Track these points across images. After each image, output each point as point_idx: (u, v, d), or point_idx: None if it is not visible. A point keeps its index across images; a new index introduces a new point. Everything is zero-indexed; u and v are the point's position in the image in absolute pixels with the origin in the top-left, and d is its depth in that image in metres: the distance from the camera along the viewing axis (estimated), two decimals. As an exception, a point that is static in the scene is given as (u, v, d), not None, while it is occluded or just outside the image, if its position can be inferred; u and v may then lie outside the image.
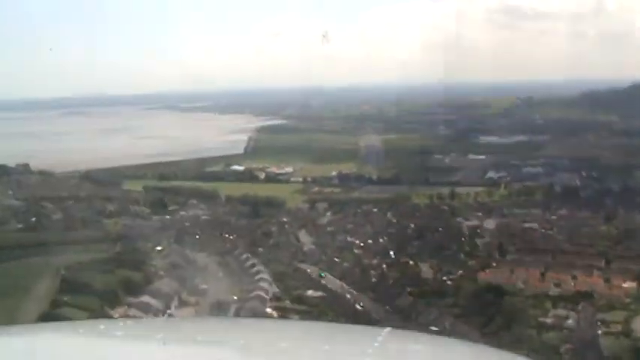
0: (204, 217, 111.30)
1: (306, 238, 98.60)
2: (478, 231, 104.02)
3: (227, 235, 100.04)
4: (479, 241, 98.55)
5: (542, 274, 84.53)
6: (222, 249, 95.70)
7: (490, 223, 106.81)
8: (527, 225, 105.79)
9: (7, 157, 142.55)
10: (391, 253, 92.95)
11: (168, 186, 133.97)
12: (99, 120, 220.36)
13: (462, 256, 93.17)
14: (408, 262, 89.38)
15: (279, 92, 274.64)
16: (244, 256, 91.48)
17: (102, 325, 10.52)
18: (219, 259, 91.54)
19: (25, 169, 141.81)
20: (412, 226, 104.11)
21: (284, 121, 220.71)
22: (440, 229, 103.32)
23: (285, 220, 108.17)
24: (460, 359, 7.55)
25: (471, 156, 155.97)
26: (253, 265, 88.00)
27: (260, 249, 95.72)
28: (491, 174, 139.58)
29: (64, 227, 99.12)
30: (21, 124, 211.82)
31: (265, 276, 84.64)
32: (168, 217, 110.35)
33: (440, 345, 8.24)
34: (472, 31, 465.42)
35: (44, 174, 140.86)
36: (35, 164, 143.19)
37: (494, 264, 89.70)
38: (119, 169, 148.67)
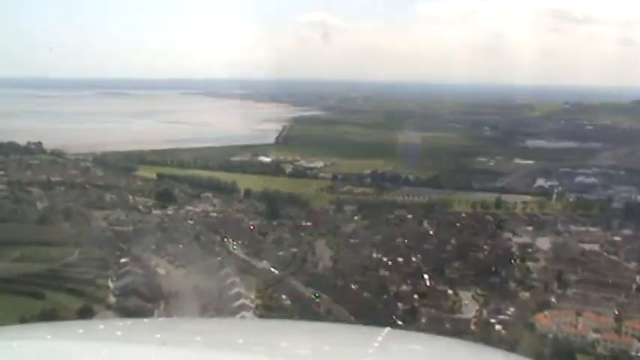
0: (212, 215, 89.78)
1: (323, 251, 75.31)
2: (529, 250, 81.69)
3: (229, 242, 76.76)
4: (532, 266, 75.02)
5: (617, 321, 60.88)
6: (209, 266, 69.29)
7: (544, 242, 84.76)
8: (586, 246, 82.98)
9: (27, 134, 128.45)
10: (425, 277, 69.44)
11: (185, 175, 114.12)
12: (132, 102, 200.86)
13: (513, 284, 69.67)
14: (446, 292, 66.32)
15: (321, 83, 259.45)
16: (229, 280, 65.28)
17: (101, 325, 9.00)
18: (198, 281, 64.50)
19: (37, 147, 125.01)
20: (452, 241, 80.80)
21: (322, 113, 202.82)
22: (485, 246, 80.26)
23: (304, 224, 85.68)
24: (460, 359, 6.99)
25: (518, 160, 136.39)
26: (238, 297, 62.36)
27: (259, 266, 71.81)
28: (540, 182, 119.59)
29: (38, 219, 77.63)
30: (52, 102, 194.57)
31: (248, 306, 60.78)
32: (170, 212, 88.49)
33: (439, 345, 7.66)
34: (518, 33, 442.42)
35: (55, 154, 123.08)
36: (52, 143, 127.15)
37: (553, 299, 66.12)
38: (138, 153, 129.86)
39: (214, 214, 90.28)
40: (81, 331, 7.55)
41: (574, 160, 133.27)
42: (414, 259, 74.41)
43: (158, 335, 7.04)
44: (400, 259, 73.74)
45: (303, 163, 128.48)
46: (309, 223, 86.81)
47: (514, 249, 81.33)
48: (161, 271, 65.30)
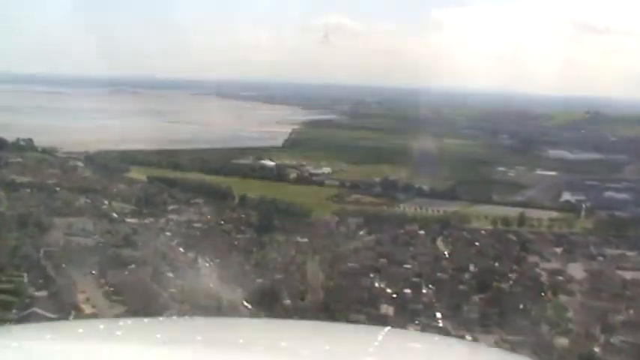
0: (196, 225, 73.27)
1: (315, 278, 58.39)
2: (561, 279, 65.60)
3: (204, 263, 59.84)
4: (566, 300, 58.74)
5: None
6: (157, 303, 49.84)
7: (576, 269, 68.52)
8: (627, 274, 67.09)
9: (25, 130, 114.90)
10: (438, 315, 53.01)
11: (178, 178, 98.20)
12: (141, 100, 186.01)
13: (546, 327, 53.22)
14: (463, 338, 49.21)
15: (336, 87, 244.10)
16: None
17: (101, 325, 8.51)
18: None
19: (27, 144, 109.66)
20: (471, 267, 64.32)
21: (335, 117, 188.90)
22: (509, 274, 63.96)
23: (299, 240, 69.65)
24: (460, 358, 6.68)
25: (540, 171, 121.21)
26: None
27: (229, 297, 52.27)
28: (567, 196, 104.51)
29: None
30: (59, 98, 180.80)
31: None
32: (148, 220, 72.62)
33: (439, 344, 7.40)
34: (537, 42, 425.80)
35: (46, 152, 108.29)
36: (48, 140, 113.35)
37: (597, 349, 49.83)
38: (133, 152, 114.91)
39: (198, 225, 74.25)
40: (80, 330, 7.11)
41: (600, 173, 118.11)
42: (424, 291, 57.87)
43: (158, 335, 6.66)
44: (408, 291, 57.15)
45: (309, 168, 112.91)
46: (304, 239, 70.61)
47: (543, 278, 65.04)
48: (85, 309, 47.81)
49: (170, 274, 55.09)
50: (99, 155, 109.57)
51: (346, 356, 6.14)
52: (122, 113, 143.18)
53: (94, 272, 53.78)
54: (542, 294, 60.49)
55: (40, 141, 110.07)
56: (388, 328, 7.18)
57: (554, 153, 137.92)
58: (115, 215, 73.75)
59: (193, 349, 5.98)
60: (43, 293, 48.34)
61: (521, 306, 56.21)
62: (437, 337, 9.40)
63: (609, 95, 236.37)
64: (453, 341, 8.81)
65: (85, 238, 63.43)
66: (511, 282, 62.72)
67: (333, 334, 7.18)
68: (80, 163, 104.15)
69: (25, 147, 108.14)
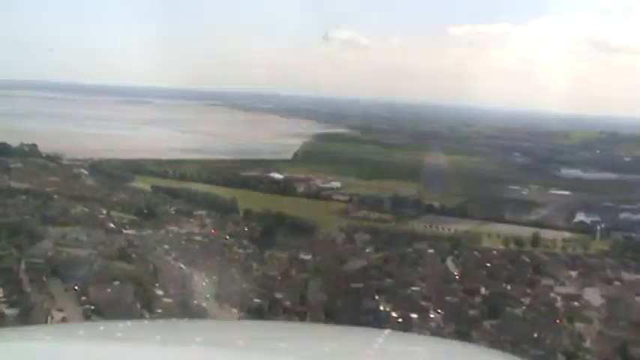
0: (196, 239, 69.37)
1: (315, 299, 53.97)
2: (576, 304, 60.56)
3: (199, 280, 55.38)
4: (583, 329, 54.08)
5: None
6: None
7: (593, 295, 63.25)
8: (648, 303, 61.64)
9: (29, 135, 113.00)
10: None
11: (183, 188, 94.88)
12: (152, 110, 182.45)
13: (562, 358, 48.68)
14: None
15: (349, 101, 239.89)
16: None
17: (101, 326, 8.28)
18: None
19: (31, 150, 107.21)
20: (482, 290, 59.80)
21: (347, 130, 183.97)
22: (522, 298, 59.23)
23: (303, 257, 65.26)
24: None
25: (554, 190, 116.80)
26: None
27: (223, 317, 47.91)
28: (581, 216, 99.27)
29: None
30: (68, 105, 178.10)
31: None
32: (146, 232, 68.60)
33: (440, 346, 7.32)
34: (552, 60, 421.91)
35: (50, 158, 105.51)
36: (53, 147, 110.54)
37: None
38: (141, 161, 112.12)
39: (199, 238, 70.19)
40: (81, 332, 7.03)
41: (616, 194, 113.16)
42: (432, 315, 53.29)
43: (158, 336, 6.48)
44: (415, 316, 52.54)
45: (318, 182, 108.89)
46: (308, 256, 66.29)
47: (558, 303, 60.35)
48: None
49: (159, 292, 50.78)
50: (104, 163, 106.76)
51: (346, 358, 6.01)
52: (133, 122, 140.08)
53: (77, 288, 49.48)
54: (558, 321, 55.80)
55: (46, 147, 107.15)
56: (388, 330, 7.00)
57: (568, 172, 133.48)
58: (112, 225, 69.75)
59: (193, 350, 5.83)
60: (13, 311, 43.89)
61: (535, 334, 51.67)
62: (437, 340, 9.40)
63: (623, 114, 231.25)
64: (453, 344, 8.87)
65: (76, 249, 59.33)
66: (524, 307, 58.15)
67: (333, 337, 6.95)
68: (84, 171, 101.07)
69: (28, 152, 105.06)
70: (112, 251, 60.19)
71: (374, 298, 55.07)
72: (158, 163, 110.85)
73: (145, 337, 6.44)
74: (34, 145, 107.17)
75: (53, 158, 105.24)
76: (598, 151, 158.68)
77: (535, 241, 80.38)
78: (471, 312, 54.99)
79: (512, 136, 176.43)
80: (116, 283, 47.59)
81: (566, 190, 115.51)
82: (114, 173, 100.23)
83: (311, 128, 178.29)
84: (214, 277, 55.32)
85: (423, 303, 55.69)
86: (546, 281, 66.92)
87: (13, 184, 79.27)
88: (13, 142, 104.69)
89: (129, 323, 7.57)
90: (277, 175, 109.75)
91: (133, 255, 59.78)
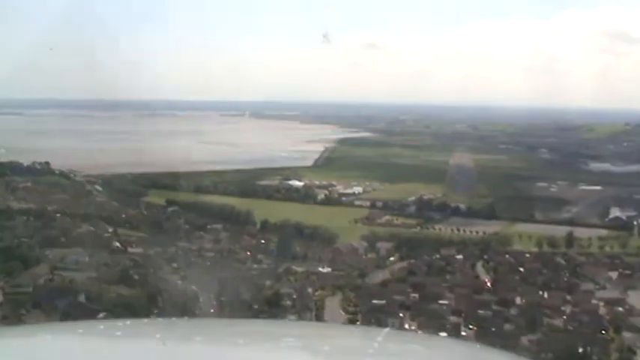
0: (208, 255, 62.99)
1: (333, 319, 47.15)
2: (621, 310, 53.81)
3: (205, 302, 48.99)
4: (632, 339, 47.25)
5: None
6: None
7: (638, 298, 56.25)
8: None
9: (47, 153, 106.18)
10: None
11: (199, 201, 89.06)
12: (173, 122, 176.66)
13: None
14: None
15: (372, 106, 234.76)
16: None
17: (101, 325, 7.83)
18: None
19: (43, 167, 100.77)
20: (517, 300, 52.96)
21: (370, 134, 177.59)
22: (562, 307, 52.42)
23: (321, 270, 58.75)
24: (460, 359, 6.16)
25: (583, 186, 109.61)
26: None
27: None
28: (616, 212, 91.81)
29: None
30: (90, 122, 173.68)
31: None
32: (155, 250, 62.38)
33: (439, 345, 6.84)
34: (572, 54, 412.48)
35: (62, 175, 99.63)
36: (69, 163, 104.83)
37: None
38: (156, 175, 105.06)
39: (211, 254, 63.91)
40: (80, 331, 6.54)
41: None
42: (463, 332, 46.29)
43: (158, 335, 6.00)
44: (443, 334, 45.75)
45: (339, 188, 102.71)
46: (327, 269, 59.79)
47: (602, 310, 53.33)
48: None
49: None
50: (118, 178, 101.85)
51: (346, 357, 5.73)
52: (151, 135, 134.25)
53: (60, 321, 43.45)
54: (603, 331, 48.75)
55: (62, 164, 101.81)
56: (388, 329, 6.72)
57: (596, 166, 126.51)
58: (117, 245, 63.67)
59: (193, 349, 5.62)
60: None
61: (580, 348, 44.67)
62: (437, 338, 8.98)
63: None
64: (452, 342, 8.68)
65: (75, 273, 53.25)
66: (565, 317, 51.16)
67: (333, 335, 6.68)
68: (98, 187, 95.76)
69: (40, 170, 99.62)
70: (113, 274, 54.05)
71: (398, 316, 48.27)
72: (174, 175, 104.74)
73: (145, 336, 6.01)
74: (47, 163, 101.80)
75: (66, 175, 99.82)
76: (625, 144, 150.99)
77: (569, 241, 74.78)
78: (507, 326, 47.94)
79: (537, 133, 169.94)
80: (101, 315, 41.14)
81: (596, 185, 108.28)
82: (127, 188, 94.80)
83: (334, 134, 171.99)
84: (222, 299, 49.00)
85: (453, 318, 48.88)
86: (586, 286, 60.47)
87: (16, 204, 73.22)
88: (26, 160, 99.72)
89: (128, 322, 6.78)
90: (297, 183, 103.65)
91: (136, 277, 53.54)
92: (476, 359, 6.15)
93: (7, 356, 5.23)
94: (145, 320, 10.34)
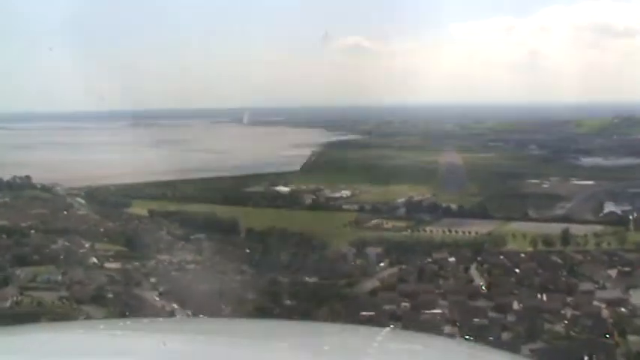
0: (188, 267, 59.18)
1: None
2: (624, 311, 49.94)
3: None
4: (638, 342, 43.01)
5: None
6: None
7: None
8: None
9: (33, 167, 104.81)
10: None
11: (182, 210, 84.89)
12: (159, 131, 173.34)
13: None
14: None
15: (359, 108, 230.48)
16: None
17: (102, 325, 8.08)
18: None
19: (23, 182, 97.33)
20: (514, 304, 49.16)
21: (358, 137, 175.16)
22: (562, 310, 48.53)
23: (307, 280, 54.99)
24: (460, 359, 6.16)
25: (576, 181, 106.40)
26: None
27: None
28: (610, 207, 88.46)
29: None
30: (72, 134, 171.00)
31: None
32: (133, 264, 58.49)
33: (439, 345, 6.84)
34: (557, 50, 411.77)
35: (44, 189, 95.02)
36: (52, 176, 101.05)
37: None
38: (140, 185, 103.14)
39: (192, 266, 60.04)
40: (81, 331, 6.79)
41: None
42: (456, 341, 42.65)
43: (158, 335, 6.18)
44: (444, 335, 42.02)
45: (326, 192, 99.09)
46: (313, 279, 55.96)
47: (604, 312, 49.55)
48: None
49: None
50: (101, 190, 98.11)
51: (346, 356, 5.70)
52: (135, 145, 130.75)
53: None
54: (607, 336, 44.94)
55: (44, 178, 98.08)
56: (388, 328, 6.62)
57: (587, 161, 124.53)
58: (94, 260, 59.65)
59: (193, 349, 5.60)
60: None
61: (585, 356, 40.81)
62: (437, 338, 8.29)
63: (635, 99, 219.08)
64: (452, 342, 8.77)
65: (45, 292, 49.31)
66: (566, 322, 47.32)
67: (333, 335, 6.53)
68: (80, 200, 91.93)
69: (20, 185, 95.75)
70: (86, 292, 50.02)
71: (387, 322, 44.36)
72: (159, 185, 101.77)
73: (145, 336, 6.11)
74: (27, 177, 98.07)
75: (48, 189, 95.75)
76: (615, 137, 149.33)
77: (565, 238, 71.18)
78: (505, 335, 44.08)
79: (525, 129, 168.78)
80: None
81: (588, 179, 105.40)
82: (109, 200, 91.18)
83: (322, 137, 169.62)
84: (200, 315, 44.99)
85: (447, 328, 44.99)
86: (585, 285, 56.77)
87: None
88: (6, 175, 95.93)
89: (128, 322, 7.27)
90: (283, 188, 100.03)
91: (110, 295, 49.52)
92: (476, 359, 6.01)
93: (7, 356, 5.14)
94: (145, 320, 10.54)
